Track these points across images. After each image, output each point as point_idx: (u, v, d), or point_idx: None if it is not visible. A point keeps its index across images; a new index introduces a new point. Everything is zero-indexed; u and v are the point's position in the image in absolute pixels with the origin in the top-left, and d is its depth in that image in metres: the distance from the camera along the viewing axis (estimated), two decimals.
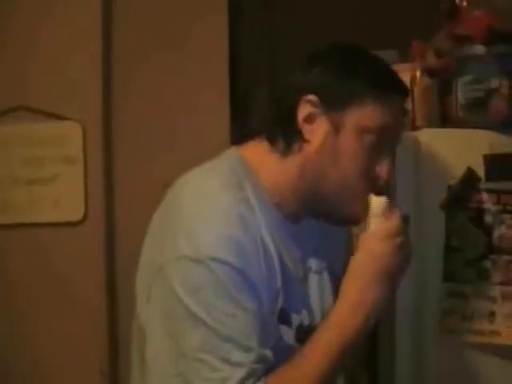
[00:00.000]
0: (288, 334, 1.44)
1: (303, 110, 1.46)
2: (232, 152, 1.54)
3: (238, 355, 1.33)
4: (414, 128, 2.09)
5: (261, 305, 1.38)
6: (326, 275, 1.58)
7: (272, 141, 1.51)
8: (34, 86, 2.96)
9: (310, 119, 1.46)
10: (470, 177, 1.93)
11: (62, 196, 2.91)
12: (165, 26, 2.91)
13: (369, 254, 1.39)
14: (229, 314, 1.34)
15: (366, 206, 1.44)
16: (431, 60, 2.19)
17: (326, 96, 1.46)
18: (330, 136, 1.45)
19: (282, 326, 1.43)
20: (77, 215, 2.90)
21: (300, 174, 1.48)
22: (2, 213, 2.94)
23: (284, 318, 1.43)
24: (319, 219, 1.54)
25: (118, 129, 2.94)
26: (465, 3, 2.18)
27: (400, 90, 1.52)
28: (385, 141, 1.47)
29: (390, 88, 1.48)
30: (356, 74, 1.47)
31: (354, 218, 1.49)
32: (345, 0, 2.89)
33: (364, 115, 1.45)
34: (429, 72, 2.14)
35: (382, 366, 2.02)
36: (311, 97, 1.46)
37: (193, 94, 2.85)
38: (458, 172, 1.94)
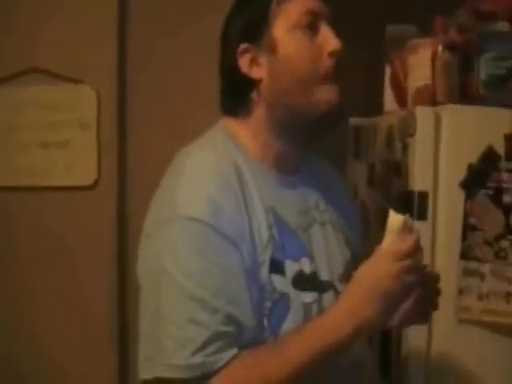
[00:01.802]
0: (281, 283, 1.45)
1: (243, 61, 1.53)
2: (221, 125, 1.59)
3: (203, 316, 1.35)
4: (435, 103, 2.08)
5: (241, 258, 1.40)
6: (329, 227, 1.61)
7: (235, 115, 1.57)
8: (47, 49, 2.91)
9: (253, 63, 1.53)
10: (490, 155, 1.92)
11: (75, 160, 2.90)
12: None
13: (372, 272, 1.38)
14: (200, 272, 1.37)
15: (337, 90, 1.50)
16: (453, 35, 2.17)
17: (249, 35, 1.52)
18: (272, 60, 1.51)
19: (275, 276, 1.44)
20: (89, 180, 2.90)
21: (268, 112, 1.53)
22: (14, 176, 2.92)
23: (275, 267, 1.45)
24: (306, 133, 1.56)
25: (132, 94, 2.92)
26: None
27: None
28: (315, 23, 1.52)
29: None
30: None
31: (331, 104, 1.50)
32: None
33: (284, 21, 1.51)
34: (450, 47, 2.12)
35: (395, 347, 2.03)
36: (241, 46, 1.53)
37: (211, 62, 2.82)
38: (479, 150, 1.94)
